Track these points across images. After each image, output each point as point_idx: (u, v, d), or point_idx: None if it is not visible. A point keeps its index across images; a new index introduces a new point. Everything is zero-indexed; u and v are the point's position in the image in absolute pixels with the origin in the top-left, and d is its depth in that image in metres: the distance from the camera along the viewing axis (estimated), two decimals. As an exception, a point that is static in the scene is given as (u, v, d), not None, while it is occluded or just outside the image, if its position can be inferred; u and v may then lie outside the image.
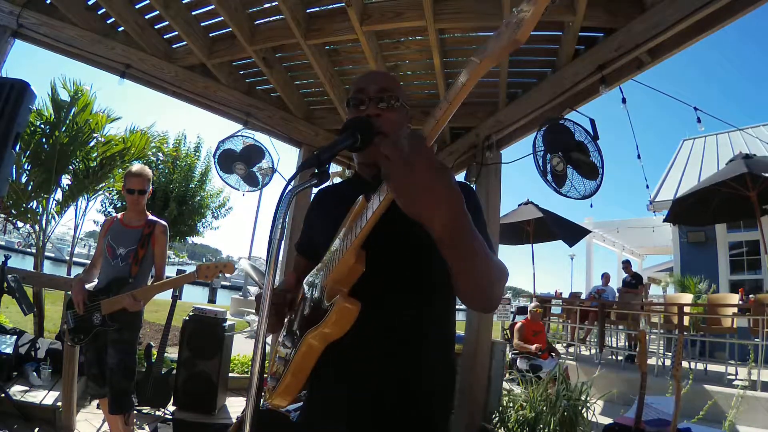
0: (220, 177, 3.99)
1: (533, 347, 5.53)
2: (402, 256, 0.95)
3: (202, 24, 3.23)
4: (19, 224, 5.61)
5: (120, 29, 3.32)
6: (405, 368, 0.92)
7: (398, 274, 0.95)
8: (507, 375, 4.60)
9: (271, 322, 1.04)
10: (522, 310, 6.00)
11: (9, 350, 3.54)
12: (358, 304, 0.82)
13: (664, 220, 7.94)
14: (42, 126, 4.95)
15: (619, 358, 6.56)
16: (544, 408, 3.47)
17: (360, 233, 0.82)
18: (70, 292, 2.66)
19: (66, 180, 5.28)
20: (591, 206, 2.96)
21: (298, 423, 0.99)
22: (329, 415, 0.95)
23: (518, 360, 5.58)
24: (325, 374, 0.93)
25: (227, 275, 2.77)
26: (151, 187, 2.77)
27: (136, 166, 2.77)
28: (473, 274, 0.77)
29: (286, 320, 1.08)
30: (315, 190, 1.20)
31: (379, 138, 0.74)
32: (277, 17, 3.05)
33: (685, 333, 5.74)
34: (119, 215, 2.79)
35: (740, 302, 6.01)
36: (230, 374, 4.30)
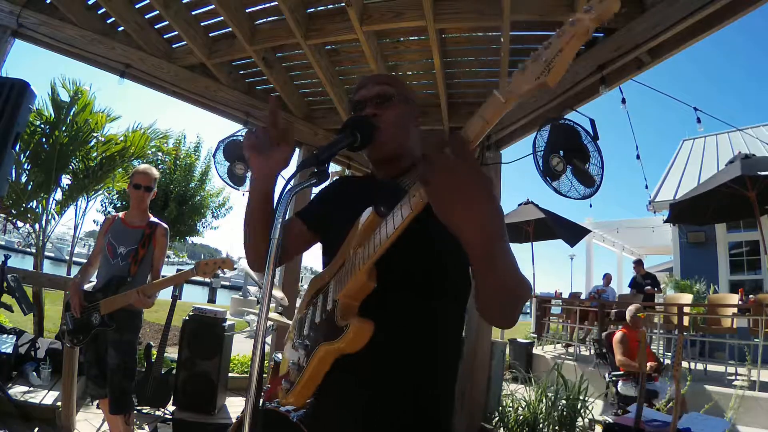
0: (221, 178, 3.99)
1: (648, 366, 3.86)
2: (417, 263, 0.94)
3: (202, 24, 3.23)
4: (19, 224, 5.61)
5: (120, 29, 3.32)
6: (414, 373, 0.92)
7: (413, 282, 0.94)
8: (507, 375, 4.58)
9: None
10: (620, 316, 4.80)
11: (9, 350, 3.54)
12: (372, 323, 0.83)
13: (665, 221, 7.94)
14: (42, 126, 4.96)
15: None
16: (544, 408, 3.47)
17: (375, 253, 0.81)
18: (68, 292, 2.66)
19: (66, 180, 5.29)
20: (590, 206, 2.97)
21: (307, 424, 0.99)
22: (336, 417, 0.96)
23: (620, 383, 4.18)
24: (335, 378, 0.92)
25: (227, 272, 2.76)
26: (155, 189, 2.78)
27: (145, 165, 2.81)
28: (501, 289, 0.72)
29: (296, 321, 1.06)
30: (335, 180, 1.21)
31: (425, 142, 0.69)
32: (277, 17, 3.05)
33: (685, 333, 5.73)
34: (121, 214, 2.78)
35: (740, 302, 6.01)
36: (230, 374, 4.30)
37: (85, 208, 5.71)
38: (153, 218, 2.77)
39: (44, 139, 4.96)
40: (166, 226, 2.78)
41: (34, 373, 3.51)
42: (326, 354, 0.88)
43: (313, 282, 1.06)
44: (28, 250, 8.27)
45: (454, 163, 0.62)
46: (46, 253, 5.41)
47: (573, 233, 8.52)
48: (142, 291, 2.44)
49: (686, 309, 5.92)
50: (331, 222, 1.08)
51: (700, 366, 5.68)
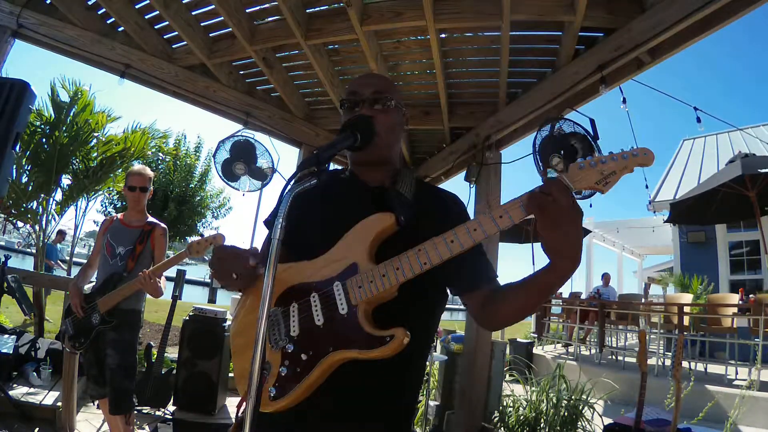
0: (221, 178, 3.98)
1: None
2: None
3: (202, 24, 3.23)
4: (19, 224, 5.62)
5: (120, 29, 3.32)
6: (385, 383, 0.98)
7: (412, 291, 0.94)
8: (507, 375, 4.58)
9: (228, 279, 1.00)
10: None
11: (9, 350, 3.54)
12: (408, 333, 0.86)
13: (666, 221, 7.94)
14: (42, 126, 4.96)
15: (619, 358, 6.56)
16: (544, 408, 3.47)
17: (427, 265, 0.87)
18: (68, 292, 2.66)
19: (66, 180, 5.29)
20: (591, 206, 2.97)
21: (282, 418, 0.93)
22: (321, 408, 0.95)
23: None
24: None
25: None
26: (151, 188, 2.78)
27: (138, 166, 2.81)
28: (531, 308, 0.91)
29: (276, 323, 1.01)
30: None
31: (551, 188, 0.80)
32: (277, 17, 3.04)
33: (685, 333, 5.73)
34: (119, 215, 2.79)
35: (740, 302, 6.01)
36: (230, 374, 4.29)
37: (85, 208, 5.74)
38: (151, 218, 2.78)
39: (44, 140, 4.97)
40: (164, 226, 2.78)
41: (34, 373, 3.51)
42: (340, 360, 0.88)
43: (280, 275, 0.93)
44: (29, 250, 8.27)
45: (574, 202, 0.79)
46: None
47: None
48: (150, 272, 2.39)
49: (686, 309, 5.92)
50: (306, 219, 1.04)
51: (700, 366, 5.68)
